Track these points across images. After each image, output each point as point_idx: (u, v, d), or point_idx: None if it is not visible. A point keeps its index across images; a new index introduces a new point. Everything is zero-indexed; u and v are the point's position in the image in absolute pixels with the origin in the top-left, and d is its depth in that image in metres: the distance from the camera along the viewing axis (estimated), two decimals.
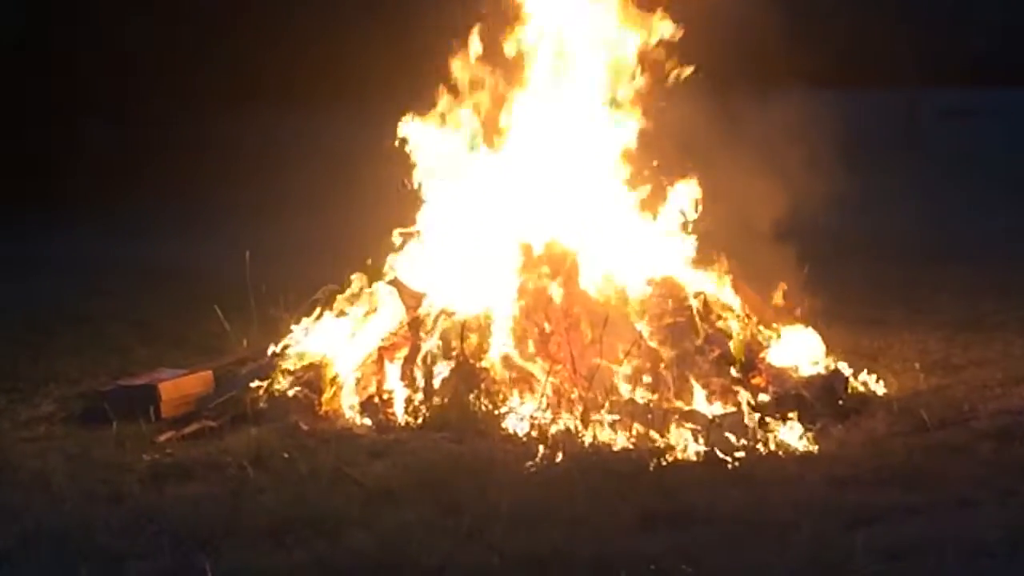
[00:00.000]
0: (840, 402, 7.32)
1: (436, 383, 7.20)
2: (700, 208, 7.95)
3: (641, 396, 7.03)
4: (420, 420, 7.11)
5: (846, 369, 7.64)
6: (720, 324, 7.68)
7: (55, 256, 13.20)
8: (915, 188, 16.35)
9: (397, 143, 7.91)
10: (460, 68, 7.91)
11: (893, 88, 21.83)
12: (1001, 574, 5.20)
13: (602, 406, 6.93)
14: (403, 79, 8.11)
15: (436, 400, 7.14)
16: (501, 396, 7.12)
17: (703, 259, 7.94)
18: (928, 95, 22.46)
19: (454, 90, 7.95)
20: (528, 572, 5.17)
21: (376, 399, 7.31)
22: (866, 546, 5.28)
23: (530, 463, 6.40)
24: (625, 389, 7.08)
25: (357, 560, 5.27)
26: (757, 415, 6.93)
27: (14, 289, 11.26)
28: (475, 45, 7.87)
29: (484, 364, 7.23)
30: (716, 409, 7.03)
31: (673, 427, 6.77)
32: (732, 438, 6.64)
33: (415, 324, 7.47)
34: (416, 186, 7.94)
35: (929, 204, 15.32)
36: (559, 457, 6.47)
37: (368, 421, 7.19)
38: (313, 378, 7.41)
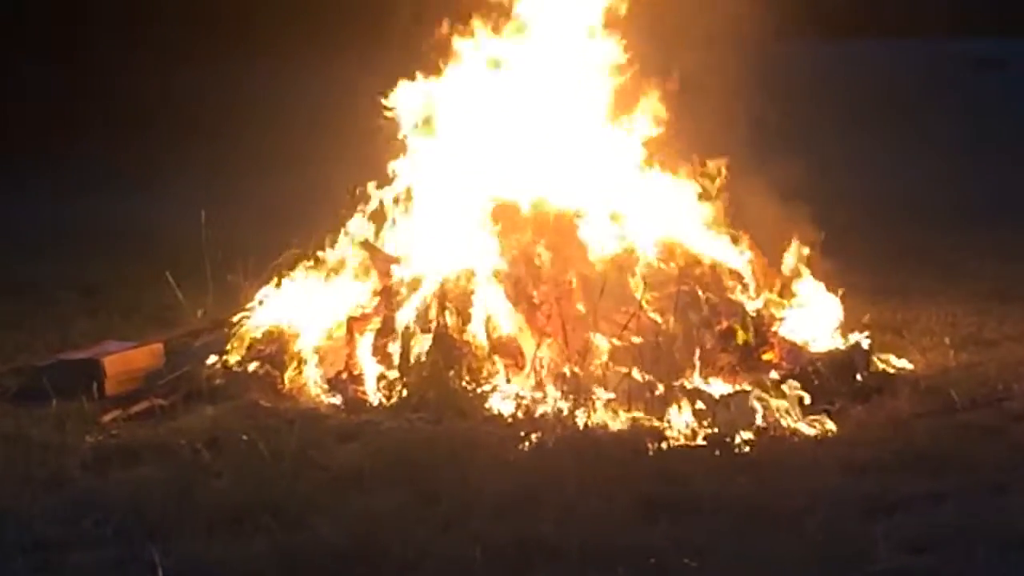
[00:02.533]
0: (860, 380, 7.33)
1: (412, 358, 7.17)
2: (709, 166, 7.94)
3: (640, 373, 7.01)
4: (394, 398, 7.09)
5: (867, 343, 7.63)
6: (729, 293, 7.65)
7: None
8: (944, 144, 16.35)
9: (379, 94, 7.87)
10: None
11: (920, 37, 21.81)
12: None
13: (597, 384, 6.91)
14: (378, 24, 8.06)
15: (412, 377, 7.12)
16: (484, 372, 7.10)
17: (713, 220, 7.91)
18: (958, 44, 22.46)
19: (435, 33, 7.91)
20: (513, 566, 5.16)
21: (345, 375, 7.28)
22: (887, 537, 5.29)
23: (516, 446, 6.40)
24: (622, 365, 7.05)
25: (323, 551, 5.26)
26: (768, 394, 6.92)
27: None
28: None
29: (465, 337, 7.20)
30: (723, 388, 7.03)
31: (675, 407, 6.76)
32: (740, 419, 6.63)
33: (388, 292, 7.44)
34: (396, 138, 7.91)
35: (960, 161, 15.32)
36: (548, 440, 6.47)
37: (336, 399, 7.18)
38: (275, 352, 7.41)
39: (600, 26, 7.87)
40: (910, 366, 7.68)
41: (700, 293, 7.45)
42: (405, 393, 7.09)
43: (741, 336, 7.35)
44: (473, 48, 7.88)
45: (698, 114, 7.90)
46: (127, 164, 15.87)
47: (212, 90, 18.64)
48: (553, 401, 6.87)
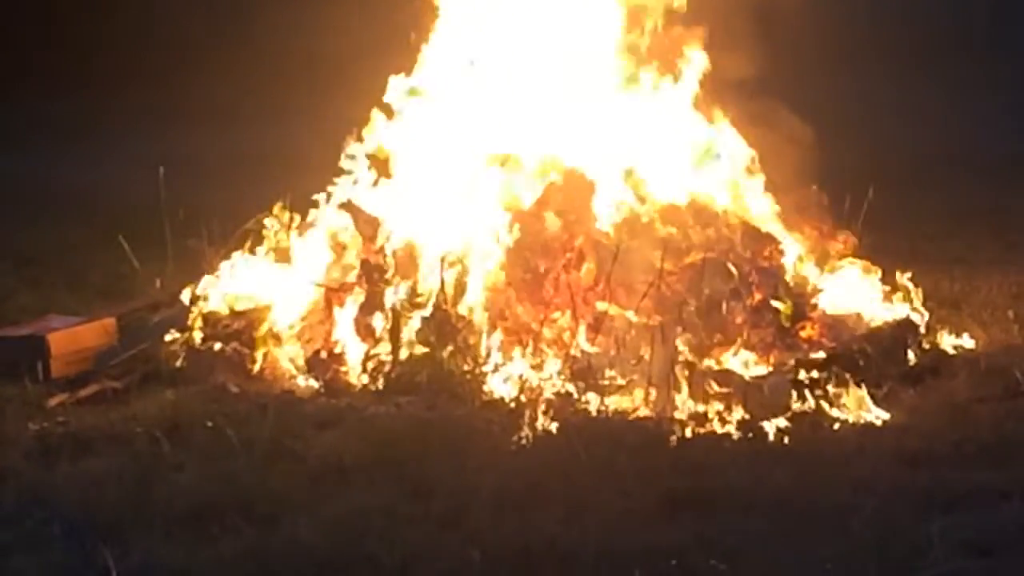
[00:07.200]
0: (912, 359, 7.37)
1: (401, 334, 7.21)
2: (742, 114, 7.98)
3: (660, 351, 7.05)
4: (380, 381, 7.14)
5: (920, 318, 7.67)
6: (762, 261, 7.69)
7: None
8: (1006, 92, 16.32)
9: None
10: None
11: None
12: None
13: (611, 364, 6.96)
14: None
15: (400, 355, 7.16)
16: (483, 351, 7.13)
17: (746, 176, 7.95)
18: None
19: None
20: (516, 570, 5.20)
21: (324, 354, 7.33)
22: (944, 537, 5.32)
23: (519, 435, 6.44)
24: (640, 342, 7.09)
25: (300, 555, 5.29)
26: (808, 376, 6.96)
27: None
28: None
29: (461, 310, 7.24)
30: (756, 369, 7.07)
31: (701, 390, 6.80)
32: (775, 404, 6.68)
33: (371, 263, 7.46)
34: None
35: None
36: (556, 427, 6.51)
37: (314, 382, 7.23)
38: (244, 328, 7.44)
39: None
40: (969, 344, 7.71)
41: (729, 261, 7.49)
42: (393, 374, 7.14)
43: (785, 310, 7.37)
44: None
45: (731, 52, 7.93)
46: (69, 111, 15.84)
47: (168, 22, 18.53)
48: (561, 383, 6.91)
